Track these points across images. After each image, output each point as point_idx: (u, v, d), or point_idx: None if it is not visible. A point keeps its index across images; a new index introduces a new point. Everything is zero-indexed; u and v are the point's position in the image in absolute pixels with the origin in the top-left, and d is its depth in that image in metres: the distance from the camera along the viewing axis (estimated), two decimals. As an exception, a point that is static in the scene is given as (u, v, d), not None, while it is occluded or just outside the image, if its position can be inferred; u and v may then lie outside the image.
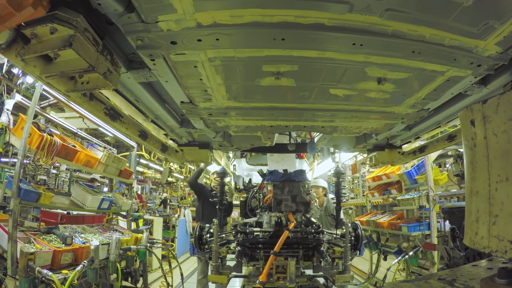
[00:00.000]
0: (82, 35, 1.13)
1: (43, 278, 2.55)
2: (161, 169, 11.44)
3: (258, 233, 2.70)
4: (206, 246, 2.88)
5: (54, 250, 2.86)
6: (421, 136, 2.96)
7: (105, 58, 1.28)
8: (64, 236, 3.15)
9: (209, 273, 2.63)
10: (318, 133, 3.37)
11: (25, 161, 4.32)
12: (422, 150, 3.03)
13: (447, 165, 6.67)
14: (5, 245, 2.80)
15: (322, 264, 2.71)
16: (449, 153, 5.95)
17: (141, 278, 3.87)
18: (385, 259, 5.43)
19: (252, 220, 3.11)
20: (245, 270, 3.03)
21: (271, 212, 2.91)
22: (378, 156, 3.20)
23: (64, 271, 2.76)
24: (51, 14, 1.07)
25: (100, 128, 5.29)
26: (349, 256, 2.60)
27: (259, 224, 2.91)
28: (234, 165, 6.92)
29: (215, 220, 2.65)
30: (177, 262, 4.28)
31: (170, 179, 14.45)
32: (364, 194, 6.83)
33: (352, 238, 2.85)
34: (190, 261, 8.00)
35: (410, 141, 3.13)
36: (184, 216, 9.94)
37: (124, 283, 3.62)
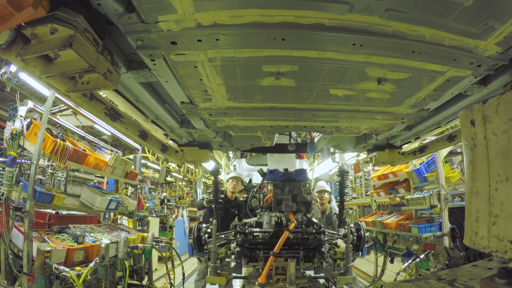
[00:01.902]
0: (82, 35, 1.13)
1: (59, 274, 2.68)
2: (159, 168, 11.27)
3: (258, 233, 2.67)
4: (205, 247, 2.85)
5: (68, 248, 2.99)
6: (421, 136, 2.96)
7: (105, 58, 1.28)
8: (76, 235, 3.30)
9: (208, 274, 2.60)
10: (318, 133, 3.37)
11: (22, 160, 4.37)
12: (422, 150, 3.03)
13: (454, 164, 6.57)
14: (20, 245, 2.95)
15: (323, 265, 2.67)
16: (458, 150, 5.83)
17: (146, 276, 3.92)
18: (391, 261, 5.14)
19: (252, 220, 3.08)
20: (244, 271, 3.02)
21: (271, 212, 2.88)
22: (378, 156, 3.20)
23: (77, 268, 2.87)
24: (51, 14, 1.07)
25: (95, 126, 5.34)
26: (351, 257, 2.57)
27: (259, 224, 2.88)
28: (234, 165, 6.93)
29: (214, 220, 2.63)
30: (180, 260, 4.31)
31: (169, 178, 14.43)
32: (369, 193, 6.58)
33: (354, 238, 2.81)
34: (188, 262, 7.96)
35: (410, 141, 3.13)
36: (182, 216, 9.75)
37: (130, 280, 3.68)
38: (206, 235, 2.91)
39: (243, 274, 2.88)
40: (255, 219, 3.10)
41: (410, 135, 2.83)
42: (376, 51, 1.39)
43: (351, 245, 2.61)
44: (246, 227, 2.78)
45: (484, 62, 1.50)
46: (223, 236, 2.97)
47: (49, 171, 7.35)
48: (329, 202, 4.64)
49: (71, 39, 1.10)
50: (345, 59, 1.47)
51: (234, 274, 2.72)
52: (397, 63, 1.51)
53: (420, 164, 4.78)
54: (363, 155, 6.79)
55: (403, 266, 4.16)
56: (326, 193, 4.58)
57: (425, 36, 1.32)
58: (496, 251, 0.87)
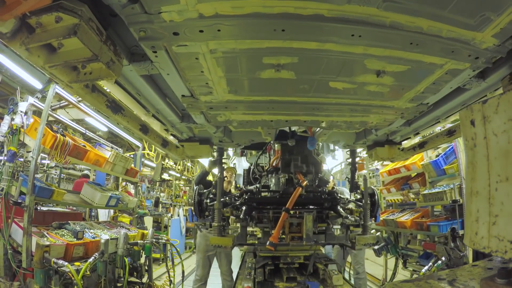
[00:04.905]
0: (86, 24, 1.15)
1: (58, 269, 2.70)
2: (154, 165, 11.04)
3: (266, 193, 2.49)
4: (207, 213, 2.64)
5: (67, 243, 3.01)
6: (420, 132, 2.97)
7: (108, 48, 1.30)
8: (76, 230, 3.33)
9: (212, 235, 2.41)
10: (318, 129, 3.37)
11: (20, 159, 4.45)
12: (421, 146, 3.05)
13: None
14: (19, 240, 2.96)
15: (335, 234, 2.51)
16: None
17: (146, 274, 3.93)
18: (404, 264, 4.75)
19: (257, 185, 2.87)
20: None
21: (279, 175, 2.66)
22: (378, 152, 3.21)
23: (77, 263, 2.88)
24: (57, 3, 1.10)
25: (86, 119, 5.37)
26: (368, 216, 2.41)
27: (265, 187, 2.69)
28: (234, 163, 6.94)
29: (219, 174, 2.46)
30: (180, 258, 4.34)
31: (168, 177, 14.32)
32: (378, 190, 6.39)
33: (368, 203, 2.64)
34: (186, 263, 7.93)
35: (409, 137, 3.14)
36: (178, 215, 9.48)
37: (130, 278, 3.70)
38: (208, 200, 2.70)
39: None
40: (260, 184, 2.89)
41: (409, 130, 2.84)
42: (375, 42, 1.41)
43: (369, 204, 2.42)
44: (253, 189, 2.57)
45: (482, 55, 1.52)
46: (227, 198, 2.74)
47: (47, 166, 7.40)
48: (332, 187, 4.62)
49: (76, 27, 1.12)
50: (344, 51, 1.49)
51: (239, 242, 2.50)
52: (396, 55, 1.53)
53: (437, 156, 4.39)
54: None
55: (423, 270, 3.75)
56: (331, 177, 4.53)
57: (423, 27, 1.34)
58: (496, 251, 0.87)
